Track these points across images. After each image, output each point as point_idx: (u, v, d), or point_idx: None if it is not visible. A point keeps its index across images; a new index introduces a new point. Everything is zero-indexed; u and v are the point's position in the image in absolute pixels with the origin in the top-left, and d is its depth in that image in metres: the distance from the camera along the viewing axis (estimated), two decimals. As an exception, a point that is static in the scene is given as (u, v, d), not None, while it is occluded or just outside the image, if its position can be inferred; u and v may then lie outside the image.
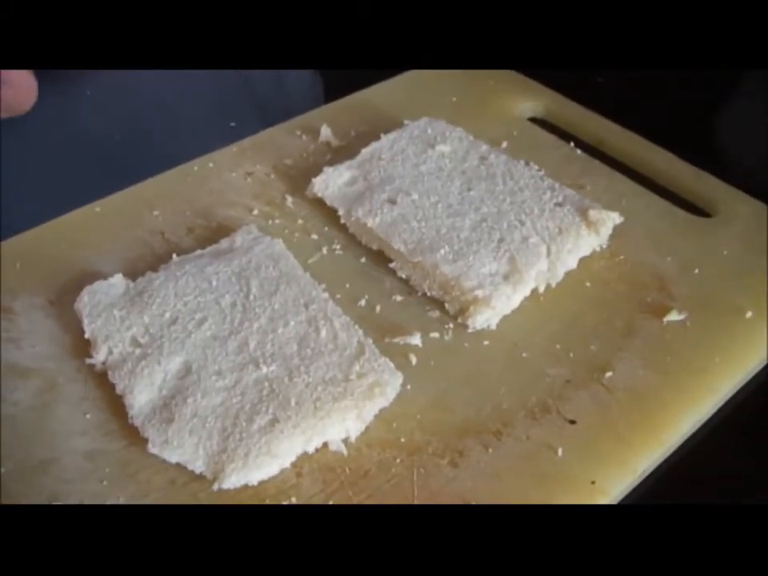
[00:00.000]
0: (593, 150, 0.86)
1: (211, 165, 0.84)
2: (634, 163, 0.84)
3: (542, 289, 0.71)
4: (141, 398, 0.60)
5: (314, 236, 0.76)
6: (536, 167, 0.80)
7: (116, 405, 0.61)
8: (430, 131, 0.84)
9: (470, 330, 0.68)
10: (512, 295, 0.68)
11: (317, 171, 0.79)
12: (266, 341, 0.64)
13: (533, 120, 0.91)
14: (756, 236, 0.76)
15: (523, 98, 0.93)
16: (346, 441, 0.60)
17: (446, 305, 0.69)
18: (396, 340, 0.67)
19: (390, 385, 0.61)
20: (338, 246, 0.75)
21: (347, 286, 0.71)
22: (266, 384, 0.61)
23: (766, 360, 0.67)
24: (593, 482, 0.57)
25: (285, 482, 0.57)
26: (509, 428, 0.61)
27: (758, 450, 0.63)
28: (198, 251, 0.72)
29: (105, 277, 0.69)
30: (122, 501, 0.56)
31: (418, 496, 0.57)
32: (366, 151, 0.82)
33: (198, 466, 0.57)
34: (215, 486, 0.56)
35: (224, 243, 0.73)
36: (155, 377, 0.61)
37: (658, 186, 0.82)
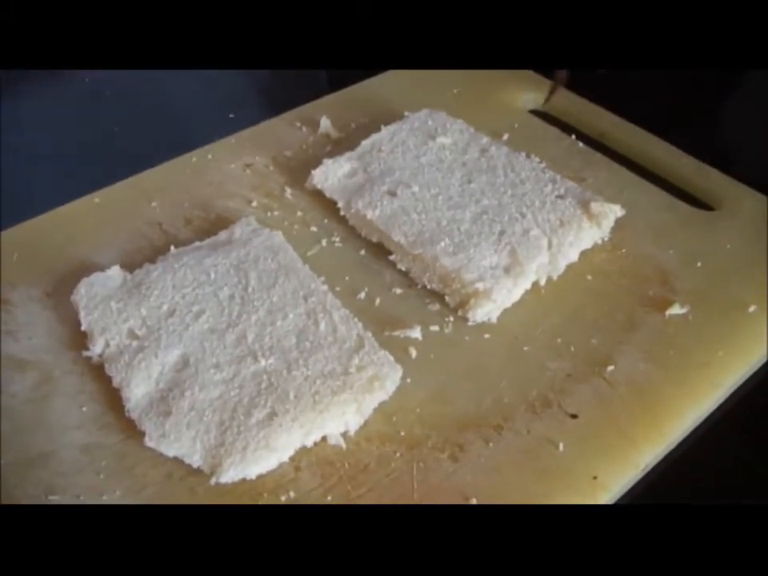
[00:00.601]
0: (594, 143, 0.85)
1: (210, 156, 0.84)
2: (635, 156, 0.84)
3: (543, 282, 0.70)
4: (138, 390, 0.60)
5: (314, 228, 0.76)
6: (537, 159, 0.79)
7: (113, 398, 0.61)
8: (430, 123, 0.84)
9: (470, 323, 0.67)
10: (513, 288, 0.68)
11: (316, 163, 0.79)
12: (264, 333, 0.63)
13: (534, 112, 0.91)
14: (759, 230, 0.75)
15: (525, 90, 0.92)
16: (345, 435, 0.59)
17: (447, 298, 0.69)
18: (396, 333, 0.66)
19: (389, 378, 0.61)
20: (337, 239, 0.75)
21: (346, 278, 0.71)
22: (265, 377, 0.60)
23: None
24: (594, 477, 0.57)
25: (283, 476, 0.57)
26: (509, 422, 0.60)
27: (758, 447, 0.63)
28: (197, 243, 0.72)
29: (102, 268, 0.68)
30: (118, 494, 0.56)
31: (417, 490, 0.56)
32: (366, 143, 0.81)
33: (195, 459, 0.56)
34: (212, 480, 0.55)
35: (222, 235, 0.72)
36: (152, 369, 0.61)
37: (660, 179, 0.81)
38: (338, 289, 0.69)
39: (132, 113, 0.95)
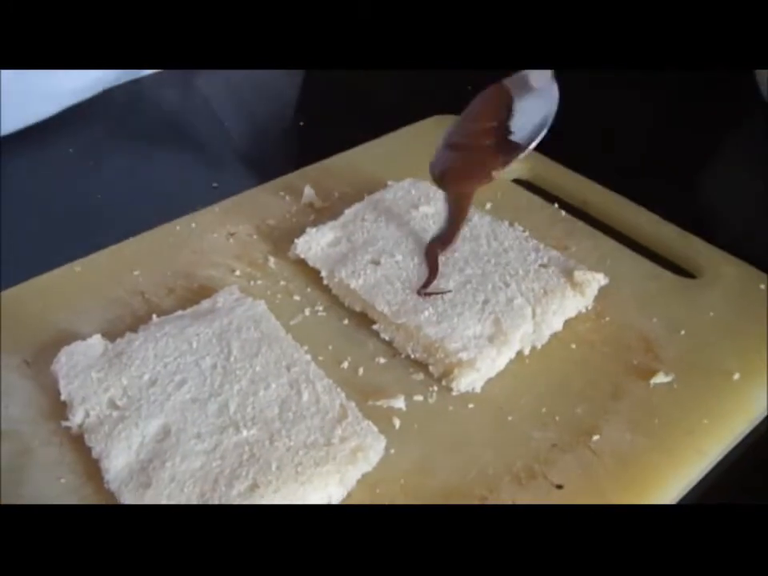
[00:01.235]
0: (577, 212, 0.86)
1: (193, 225, 0.84)
2: (618, 224, 0.84)
3: (527, 351, 0.70)
4: (117, 461, 0.59)
5: (297, 297, 0.76)
6: (520, 228, 0.80)
7: (92, 469, 0.60)
8: (413, 192, 0.84)
9: (454, 393, 0.67)
10: (497, 357, 0.67)
11: (300, 232, 0.79)
12: (246, 403, 0.62)
13: (517, 181, 0.91)
14: (741, 297, 0.75)
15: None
16: (327, 507, 0.59)
17: (430, 367, 0.68)
18: (379, 403, 0.65)
19: (372, 449, 0.60)
20: (320, 308, 0.74)
21: (330, 347, 0.71)
22: (247, 448, 0.59)
23: (753, 421, 0.66)
24: (580, 549, 0.56)
25: (265, 550, 0.56)
26: (494, 493, 0.60)
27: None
28: (179, 312, 0.71)
29: (83, 337, 0.68)
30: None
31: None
32: (349, 212, 0.81)
33: (175, 532, 0.55)
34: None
35: (205, 304, 0.72)
36: (133, 440, 0.60)
37: (643, 248, 0.81)
38: (321, 358, 0.69)
39: (115, 181, 0.95)
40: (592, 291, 0.73)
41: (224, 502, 0.56)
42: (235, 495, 0.56)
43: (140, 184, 0.96)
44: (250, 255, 0.80)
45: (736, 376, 0.68)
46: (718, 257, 0.80)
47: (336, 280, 0.75)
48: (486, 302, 0.71)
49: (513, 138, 0.72)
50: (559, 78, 0.66)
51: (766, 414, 0.67)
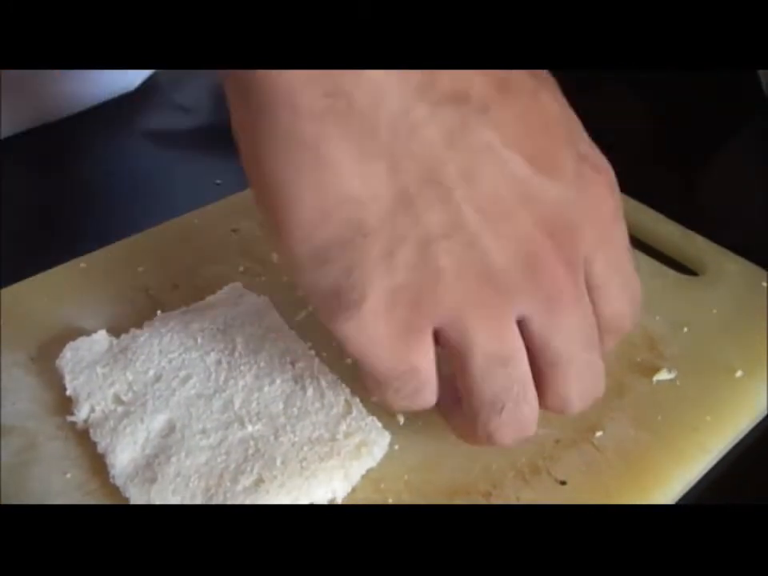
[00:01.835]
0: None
1: (197, 221, 0.84)
2: (621, 222, 0.84)
3: (530, 347, 0.70)
4: (123, 456, 0.59)
5: (300, 293, 0.76)
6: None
7: (97, 464, 0.60)
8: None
9: (458, 389, 0.67)
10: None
11: (304, 228, 0.79)
12: (251, 399, 0.63)
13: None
14: (744, 294, 0.75)
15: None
16: (332, 502, 0.59)
17: (434, 363, 0.69)
18: (383, 399, 0.66)
19: (377, 444, 0.60)
20: (324, 304, 0.75)
21: (334, 343, 0.70)
22: (252, 443, 0.59)
23: (757, 418, 0.67)
24: (584, 545, 0.56)
25: (269, 544, 0.56)
26: (498, 489, 0.60)
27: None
28: (183, 308, 0.71)
29: (88, 333, 0.68)
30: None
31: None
32: (353, 208, 0.81)
33: (180, 527, 0.56)
34: (198, 548, 0.55)
35: (209, 300, 0.72)
36: (138, 435, 0.60)
37: (646, 246, 0.81)
38: (324, 354, 0.69)
39: (119, 178, 0.95)
40: (596, 289, 0.73)
41: (229, 496, 0.56)
42: (240, 490, 0.56)
43: (143, 181, 0.96)
44: (254, 251, 0.80)
45: (739, 373, 0.68)
46: (721, 255, 0.80)
47: (340, 276, 0.74)
48: (489, 298, 0.71)
49: None
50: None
51: (768, 410, 0.67)
